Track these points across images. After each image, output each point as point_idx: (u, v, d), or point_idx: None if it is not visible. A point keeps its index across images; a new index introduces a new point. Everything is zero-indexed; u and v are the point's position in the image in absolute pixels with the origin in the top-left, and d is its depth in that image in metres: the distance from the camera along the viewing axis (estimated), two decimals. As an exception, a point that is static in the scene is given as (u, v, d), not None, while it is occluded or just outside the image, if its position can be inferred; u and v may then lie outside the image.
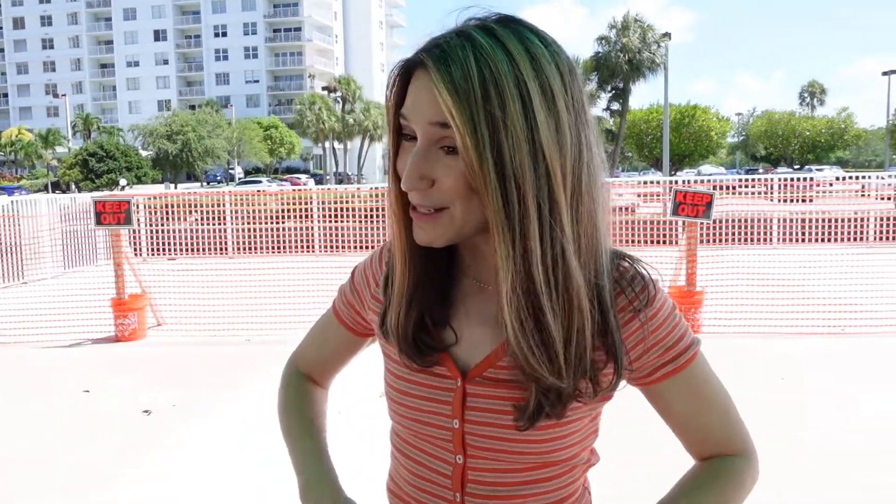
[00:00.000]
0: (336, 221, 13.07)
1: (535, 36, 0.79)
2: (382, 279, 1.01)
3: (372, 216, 12.75)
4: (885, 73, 49.36)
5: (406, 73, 0.83)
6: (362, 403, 4.42)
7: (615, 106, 41.66)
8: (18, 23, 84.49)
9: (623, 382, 0.91)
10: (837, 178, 16.40)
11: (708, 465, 0.99)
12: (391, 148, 0.87)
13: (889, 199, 13.45)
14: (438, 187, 0.81)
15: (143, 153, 52.21)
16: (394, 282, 0.94)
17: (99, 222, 7.03)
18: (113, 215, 6.97)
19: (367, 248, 12.45)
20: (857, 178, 15.04)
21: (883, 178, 14.17)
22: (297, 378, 1.20)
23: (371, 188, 14.62)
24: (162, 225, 13.17)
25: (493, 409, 0.90)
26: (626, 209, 12.75)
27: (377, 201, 12.81)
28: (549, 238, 0.79)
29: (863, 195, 14.21)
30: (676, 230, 10.25)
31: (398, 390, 0.98)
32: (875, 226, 12.55)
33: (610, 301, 0.87)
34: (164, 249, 13.12)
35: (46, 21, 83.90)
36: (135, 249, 12.27)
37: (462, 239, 0.86)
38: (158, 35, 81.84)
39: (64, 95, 60.29)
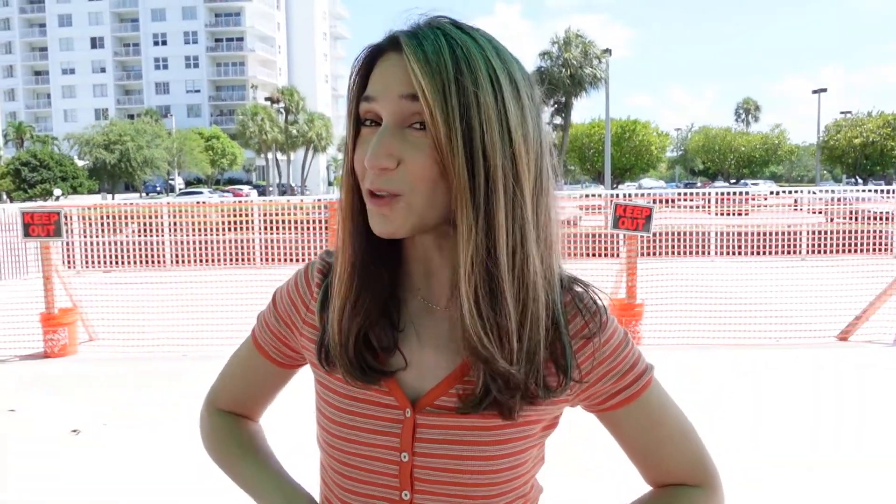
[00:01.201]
0: (278, 233, 12.88)
1: (495, 39, 0.81)
2: (318, 302, 0.92)
3: (316, 228, 12.59)
4: (814, 91, 51.15)
5: (370, 61, 0.81)
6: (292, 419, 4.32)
7: (558, 120, 42.37)
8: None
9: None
10: (772, 193, 16.92)
11: (662, 493, 0.95)
12: (349, 139, 0.83)
13: (820, 212, 13.87)
14: (404, 168, 0.77)
15: (80, 163, 50.88)
16: (333, 293, 0.86)
17: (27, 234, 6.76)
18: (42, 227, 6.72)
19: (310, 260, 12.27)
20: (790, 192, 15.54)
21: (814, 193, 14.63)
22: (221, 414, 1.07)
23: (315, 199, 14.47)
24: (97, 236, 12.79)
25: (446, 441, 0.84)
26: (569, 222, 12.85)
27: (321, 213, 12.65)
28: (513, 220, 0.77)
29: (796, 209, 14.64)
30: (617, 243, 10.38)
31: (337, 422, 0.89)
32: (808, 239, 12.95)
33: (564, 320, 0.85)
34: (99, 261, 12.75)
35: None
36: (69, 261, 11.89)
37: (422, 231, 0.81)
38: (95, 42, 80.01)
39: (-5, 103, 58.51)
